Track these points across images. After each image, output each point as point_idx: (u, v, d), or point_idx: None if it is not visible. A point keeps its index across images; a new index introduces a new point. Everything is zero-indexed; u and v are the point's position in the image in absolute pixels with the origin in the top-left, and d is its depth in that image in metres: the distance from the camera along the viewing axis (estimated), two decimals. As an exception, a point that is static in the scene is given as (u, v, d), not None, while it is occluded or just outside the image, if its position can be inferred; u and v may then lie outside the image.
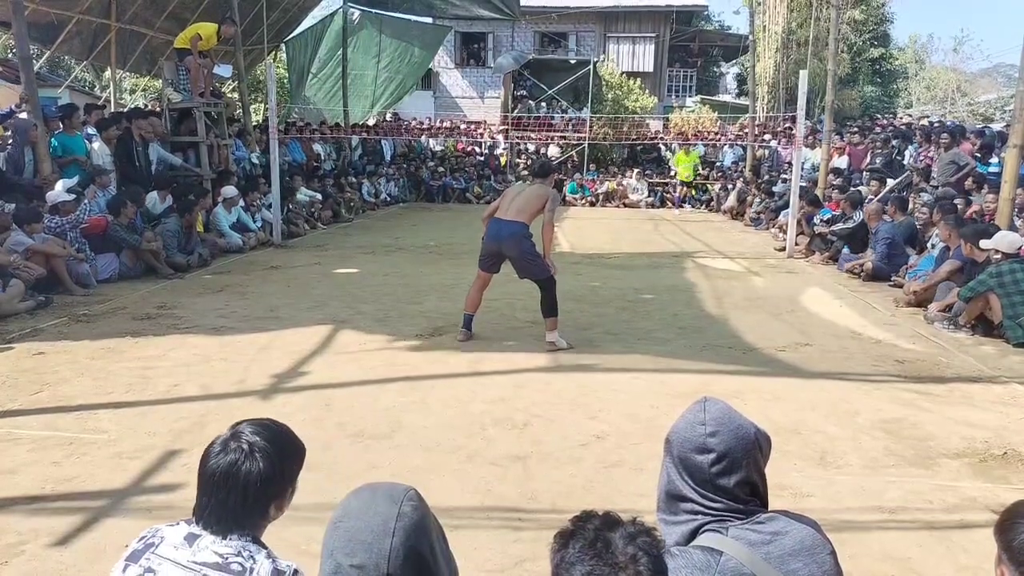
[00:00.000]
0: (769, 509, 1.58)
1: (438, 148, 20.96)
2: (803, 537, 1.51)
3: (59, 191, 7.57)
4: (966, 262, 6.59)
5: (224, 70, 12.83)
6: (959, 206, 8.37)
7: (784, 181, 13.28)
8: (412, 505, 1.33)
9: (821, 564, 1.49)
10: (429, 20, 22.11)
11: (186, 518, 1.57)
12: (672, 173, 19.37)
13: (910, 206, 9.46)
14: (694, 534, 1.52)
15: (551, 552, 1.23)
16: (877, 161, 12.91)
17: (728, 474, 1.51)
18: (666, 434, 1.62)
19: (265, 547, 1.56)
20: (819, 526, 1.58)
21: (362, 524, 1.29)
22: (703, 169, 19.39)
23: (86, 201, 7.85)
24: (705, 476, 1.52)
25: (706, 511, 1.52)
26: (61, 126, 8.63)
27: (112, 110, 11.46)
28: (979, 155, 10.76)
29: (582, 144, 20.15)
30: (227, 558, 1.49)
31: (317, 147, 16.04)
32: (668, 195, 18.82)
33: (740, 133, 19.80)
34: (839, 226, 9.65)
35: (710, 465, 1.51)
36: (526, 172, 19.57)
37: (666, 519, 1.59)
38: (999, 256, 5.97)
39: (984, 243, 6.17)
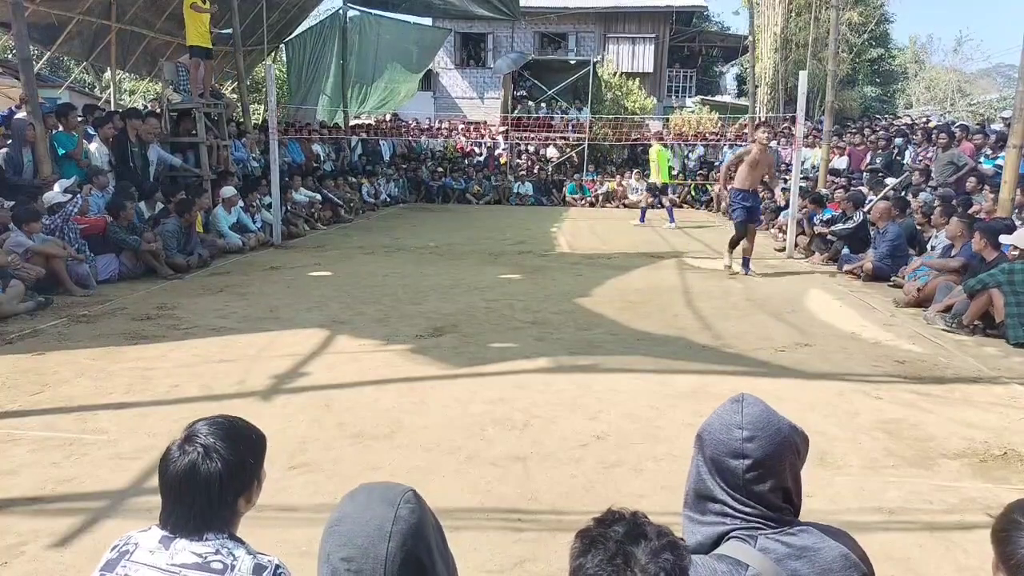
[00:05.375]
0: (802, 519, 1.51)
1: (438, 149, 20.98)
2: (835, 557, 1.44)
3: (56, 192, 7.56)
4: (974, 259, 6.58)
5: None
6: (954, 206, 8.37)
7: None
8: (409, 508, 1.30)
9: None
10: (428, 21, 22.14)
11: (157, 522, 1.55)
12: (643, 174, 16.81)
13: (912, 206, 9.47)
14: (720, 540, 1.46)
15: (571, 552, 1.19)
16: (877, 161, 12.92)
17: (763, 481, 1.44)
18: (698, 430, 1.55)
19: (243, 543, 1.55)
20: (854, 543, 1.51)
21: (358, 528, 1.27)
22: (702, 168, 19.39)
23: (78, 196, 7.80)
24: (738, 482, 1.45)
25: (736, 514, 1.45)
26: (60, 125, 8.63)
27: (109, 110, 11.45)
28: (990, 151, 10.83)
29: (582, 145, 20.16)
30: (206, 557, 1.48)
31: (316, 148, 16.05)
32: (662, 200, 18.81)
33: (740, 133, 19.82)
34: (839, 226, 9.65)
35: (745, 471, 1.44)
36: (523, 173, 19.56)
37: (692, 517, 1.53)
38: (1016, 252, 5.96)
39: (1004, 238, 6.17)
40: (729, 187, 8.75)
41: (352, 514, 1.30)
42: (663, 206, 14.72)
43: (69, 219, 7.49)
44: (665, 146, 15.76)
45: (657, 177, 14.83)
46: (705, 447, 1.50)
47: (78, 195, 7.82)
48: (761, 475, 1.44)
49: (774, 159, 8.38)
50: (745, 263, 8.68)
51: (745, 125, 19.29)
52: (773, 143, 14.33)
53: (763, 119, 20.53)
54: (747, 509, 1.44)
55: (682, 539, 1.21)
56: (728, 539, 1.45)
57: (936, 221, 8.12)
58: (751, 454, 1.44)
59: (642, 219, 14.48)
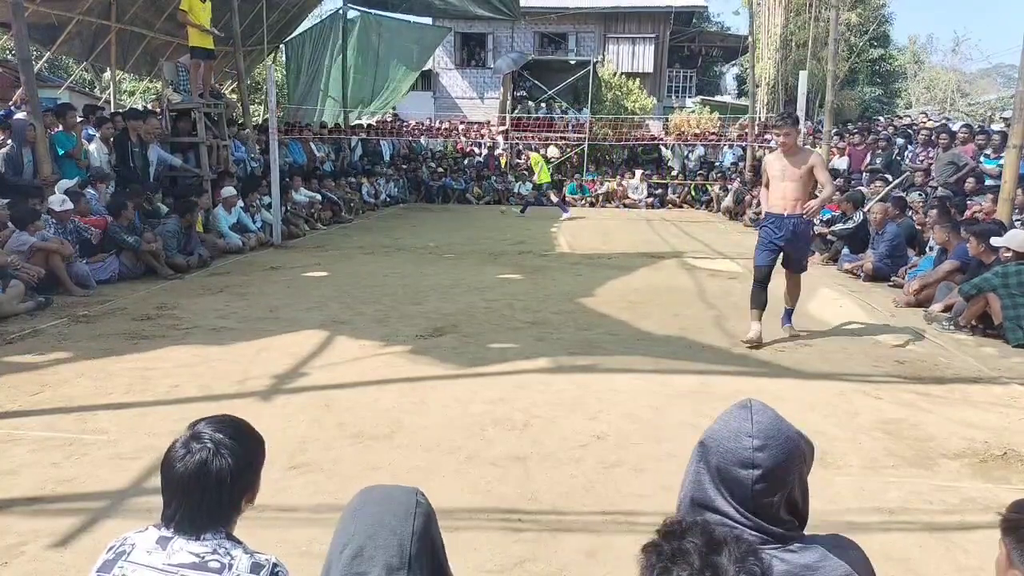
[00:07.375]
0: (806, 532, 1.45)
1: (438, 149, 20.98)
2: None
3: (59, 197, 7.54)
4: (971, 261, 6.58)
5: None
6: (948, 208, 8.35)
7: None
8: (425, 498, 1.46)
9: None
10: (428, 21, 22.13)
11: (155, 523, 1.55)
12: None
13: (911, 206, 9.46)
14: None
15: (645, 570, 1.14)
16: (877, 161, 12.91)
17: (771, 493, 1.37)
18: (702, 436, 1.47)
19: (240, 543, 1.56)
20: (863, 560, 1.44)
21: (385, 509, 1.39)
22: (702, 169, 19.39)
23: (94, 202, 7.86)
24: (746, 493, 1.37)
25: (735, 528, 1.37)
26: (60, 125, 8.63)
27: (110, 111, 11.45)
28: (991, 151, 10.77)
29: (582, 145, 20.16)
30: (204, 557, 1.48)
31: (313, 146, 16.04)
32: (667, 197, 18.85)
33: (741, 133, 19.82)
34: (839, 226, 9.65)
35: (754, 482, 1.36)
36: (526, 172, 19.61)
37: None
38: (1009, 255, 5.94)
39: (995, 240, 6.14)
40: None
41: (377, 499, 1.43)
42: (553, 203, 17.06)
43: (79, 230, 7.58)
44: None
45: (536, 179, 17.11)
46: (710, 455, 1.42)
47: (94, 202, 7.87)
48: (770, 486, 1.37)
49: (818, 160, 5.69)
50: (787, 315, 6.14)
51: (745, 126, 19.28)
52: (773, 143, 13.71)
53: (764, 119, 20.51)
54: (748, 523, 1.37)
55: (756, 543, 1.19)
56: None
57: (928, 224, 8.13)
58: (761, 464, 1.36)
59: (523, 211, 16.56)
